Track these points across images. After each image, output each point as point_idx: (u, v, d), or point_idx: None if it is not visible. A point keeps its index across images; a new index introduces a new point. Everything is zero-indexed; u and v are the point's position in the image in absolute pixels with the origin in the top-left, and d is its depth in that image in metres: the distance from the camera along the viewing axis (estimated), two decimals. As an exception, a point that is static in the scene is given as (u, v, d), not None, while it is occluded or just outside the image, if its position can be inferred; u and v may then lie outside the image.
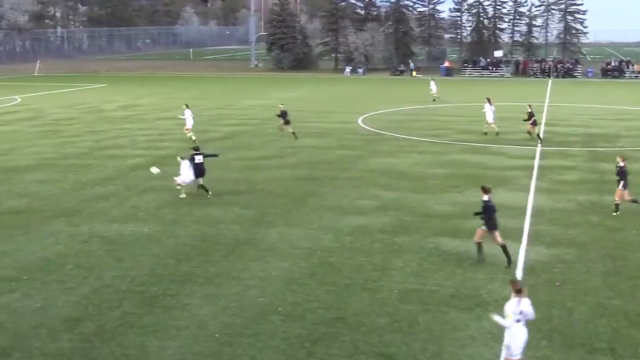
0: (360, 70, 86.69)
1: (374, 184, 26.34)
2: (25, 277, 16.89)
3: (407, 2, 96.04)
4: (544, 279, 16.58)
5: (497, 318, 11.78)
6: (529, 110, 35.20)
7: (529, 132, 35.29)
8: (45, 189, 25.76)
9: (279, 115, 36.81)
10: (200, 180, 24.52)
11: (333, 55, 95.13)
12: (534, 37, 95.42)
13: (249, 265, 17.57)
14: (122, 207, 23.26)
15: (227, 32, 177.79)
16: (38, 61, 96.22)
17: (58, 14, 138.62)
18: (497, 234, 17.48)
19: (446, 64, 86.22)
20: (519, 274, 16.84)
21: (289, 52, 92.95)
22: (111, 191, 25.34)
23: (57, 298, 15.59)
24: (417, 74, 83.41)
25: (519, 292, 11.64)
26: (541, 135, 35.41)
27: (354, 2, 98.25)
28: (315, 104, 52.54)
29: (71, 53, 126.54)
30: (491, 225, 17.42)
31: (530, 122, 35.05)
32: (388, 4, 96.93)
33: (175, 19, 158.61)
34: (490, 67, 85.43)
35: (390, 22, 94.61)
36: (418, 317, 14.51)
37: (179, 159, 24.69)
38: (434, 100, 53.21)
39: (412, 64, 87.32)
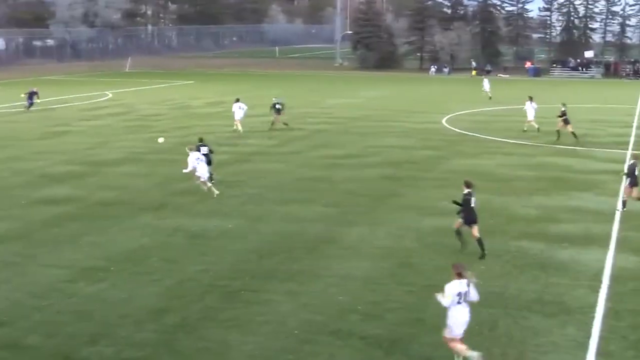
0: (446, 70, 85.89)
1: (458, 185, 25.92)
2: (113, 268, 17.39)
3: (495, 1, 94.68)
4: (631, 288, 16.09)
5: (439, 297, 12.24)
6: (563, 109, 35.22)
7: (557, 131, 35.21)
8: (134, 183, 26.45)
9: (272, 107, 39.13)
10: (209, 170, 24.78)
11: (418, 54, 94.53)
12: (627, 37, 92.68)
13: (330, 264, 17.64)
14: (207, 202, 23.66)
15: (313, 31, 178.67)
16: (129, 58, 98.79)
17: (149, 12, 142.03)
18: (475, 228, 17.93)
19: (528, 64, 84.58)
20: (605, 281, 16.40)
21: (374, 51, 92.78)
22: (196, 186, 25.79)
23: (142, 289, 15.99)
24: (502, 74, 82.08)
25: (459, 275, 12.15)
26: (575, 132, 35.06)
27: (441, 1, 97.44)
28: (400, 104, 52.32)
29: (161, 50, 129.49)
30: (468, 219, 17.90)
31: (562, 119, 35.17)
32: (475, 3, 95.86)
33: (262, 17, 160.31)
34: (580, 68, 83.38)
35: (477, 22, 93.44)
36: (499, 321, 14.29)
37: (187, 149, 24.60)
38: (490, 98, 53.76)
39: (473, 62, 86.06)
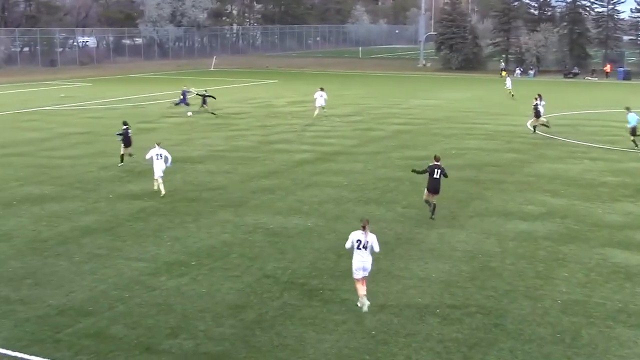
0: (532, 72, 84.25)
1: (541, 189, 25.55)
2: (194, 262, 17.71)
3: (584, 2, 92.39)
4: None
5: (347, 244, 14.82)
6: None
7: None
8: (215, 180, 26.86)
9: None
10: (130, 150, 28.83)
11: (503, 56, 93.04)
12: None
13: (409, 265, 17.54)
14: (287, 200, 23.84)
15: (396, 31, 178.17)
16: (214, 56, 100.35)
17: (234, 12, 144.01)
18: (435, 197, 21.43)
19: (608, 67, 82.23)
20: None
21: (458, 52, 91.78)
22: (277, 184, 26.04)
23: (221, 285, 16.22)
24: (590, 77, 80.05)
25: (363, 228, 14.68)
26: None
27: (528, 1, 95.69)
28: (483, 106, 51.61)
29: (245, 49, 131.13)
30: (431, 189, 21.36)
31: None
32: (564, 4, 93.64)
33: (346, 18, 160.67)
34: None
35: (565, 23, 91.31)
36: (582, 331, 13.94)
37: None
38: (512, 96, 53.98)
39: (502, 63, 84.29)
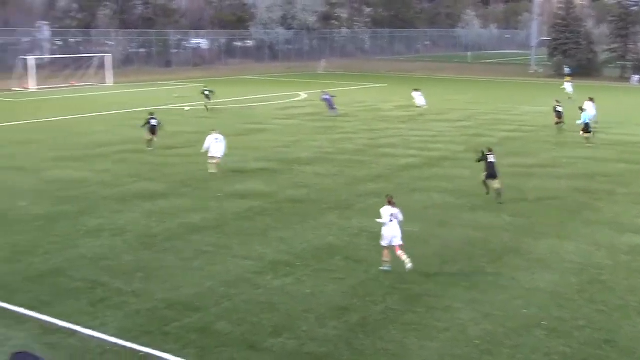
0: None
1: (657, 202, 24.54)
2: (299, 263, 17.89)
3: None
4: None
5: (378, 220, 17.26)
6: None
7: None
8: (322, 182, 27.05)
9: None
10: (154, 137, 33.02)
11: (619, 62, 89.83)
12: None
13: (516, 275, 17.18)
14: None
15: (507, 36, 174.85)
16: (323, 60, 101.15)
17: (344, 15, 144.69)
18: (495, 181, 23.81)
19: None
20: None
21: (572, 58, 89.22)
22: (383, 188, 25.97)
23: (326, 286, 16.32)
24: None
25: (390, 202, 17.31)
26: None
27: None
28: (598, 114, 49.94)
29: (354, 53, 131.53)
30: (489, 174, 23.82)
31: None
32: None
33: (456, 22, 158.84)
34: None
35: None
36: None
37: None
38: (569, 98, 52.60)
39: (566, 68, 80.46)
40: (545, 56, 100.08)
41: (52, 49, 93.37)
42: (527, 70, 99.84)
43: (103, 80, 70.55)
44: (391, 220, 17.12)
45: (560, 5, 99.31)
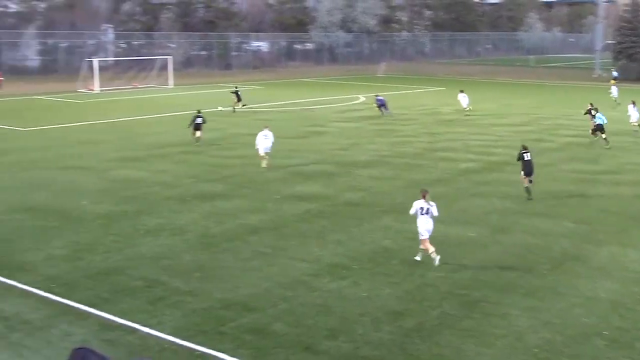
0: None
1: None
2: (355, 266, 17.87)
3: None
4: None
5: (412, 211, 18.20)
6: None
7: None
8: (379, 185, 26.98)
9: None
10: (200, 134, 35.46)
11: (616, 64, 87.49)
12: None
13: (576, 282, 16.86)
14: (450, 209, 23.52)
15: (571, 39, 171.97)
16: (383, 63, 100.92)
17: (404, 18, 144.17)
18: (527, 179, 24.62)
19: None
20: None
21: (637, 62, 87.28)
22: (441, 192, 25.75)
23: (382, 290, 16.27)
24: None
25: (424, 196, 18.12)
26: None
27: None
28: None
29: (413, 56, 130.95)
30: (525, 171, 24.55)
31: None
32: None
33: (518, 25, 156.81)
34: None
35: None
36: None
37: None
38: (619, 104, 51.34)
39: (614, 72, 77.75)
40: (610, 60, 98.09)
41: (115, 51, 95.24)
42: (590, 74, 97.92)
43: (164, 82, 71.62)
44: (422, 214, 17.94)
45: (626, 8, 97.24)
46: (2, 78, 65.45)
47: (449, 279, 17.01)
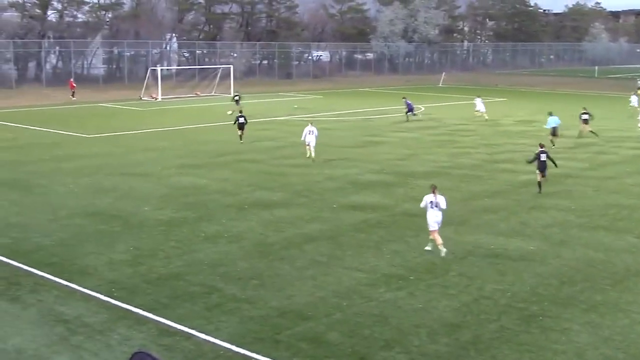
0: None
1: None
2: (412, 277, 17.77)
3: None
4: None
5: (422, 204, 19.72)
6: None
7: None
8: (438, 196, 26.73)
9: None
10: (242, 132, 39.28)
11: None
12: None
13: (639, 299, 16.46)
14: (509, 221, 23.28)
15: (638, 50, 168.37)
16: (443, 73, 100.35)
17: (466, 28, 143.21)
18: (540, 174, 27.66)
19: None
20: None
21: None
22: (500, 205, 25.51)
23: (438, 302, 16.14)
24: None
25: (433, 191, 19.58)
26: None
27: None
28: None
29: (475, 66, 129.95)
30: (540, 168, 27.61)
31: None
32: None
33: (583, 35, 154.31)
34: None
35: None
36: None
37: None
38: (631, 108, 51.62)
39: (639, 80, 75.46)
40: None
41: (179, 60, 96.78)
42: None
43: (226, 91, 72.43)
44: (432, 207, 19.39)
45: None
46: (74, 85, 67.01)
47: (508, 292, 16.78)
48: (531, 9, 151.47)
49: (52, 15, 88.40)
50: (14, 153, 35.75)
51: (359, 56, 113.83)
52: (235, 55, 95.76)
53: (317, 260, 19.02)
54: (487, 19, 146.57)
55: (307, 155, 33.75)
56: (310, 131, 34.01)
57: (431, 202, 19.45)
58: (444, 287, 17.06)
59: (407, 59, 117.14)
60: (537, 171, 27.63)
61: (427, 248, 19.71)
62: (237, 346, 13.74)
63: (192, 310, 15.49)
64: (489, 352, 13.60)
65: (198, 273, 17.92)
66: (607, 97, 78.26)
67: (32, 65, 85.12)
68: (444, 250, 19.17)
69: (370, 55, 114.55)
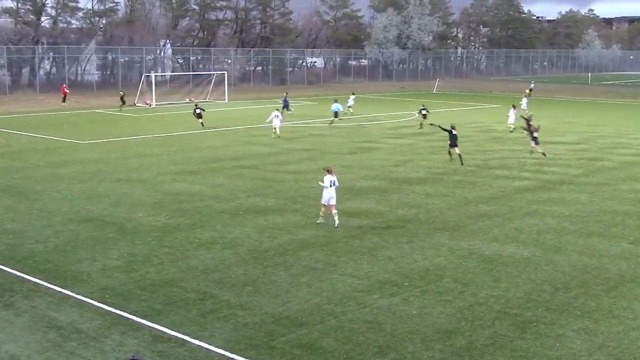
0: None
1: None
2: (406, 283, 17.76)
3: None
4: None
5: (320, 183, 23.03)
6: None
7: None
8: (432, 202, 26.81)
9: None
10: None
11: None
12: None
13: (633, 305, 16.48)
14: (504, 227, 23.31)
15: (631, 57, 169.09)
16: (437, 79, 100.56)
17: (460, 35, 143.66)
18: (456, 149, 34.51)
19: None
20: None
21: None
22: (494, 211, 25.54)
23: (433, 308, 16.14)
24: None
25: (329, 172, 22.93)
26: None
27: None
28: None
29: (469, 73, 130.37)
30: (451, 143, 34.62)
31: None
32: None
33: (576, 42, 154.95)
34: None
35: None
36: None
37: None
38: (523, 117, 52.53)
39: (532, 84, 77.85)
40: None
41: (173, 67, 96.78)
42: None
43: (219, 97, 72.45)
44: (330, 186, 22.69)
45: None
46: (67, 91, 66.95)
47: (502, 298, 16.79)
48: (525, 15, 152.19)
49: (46, 22, 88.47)
50: (7, 159, 35.67)
51: (353, 62, 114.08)
52: (229, 61, 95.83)
53: (312, 266, 19.00)
54: (481, 26, 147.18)
55: (273, 136, 42.76)
56: (276, 115, 43.19)
57: (331, 181, 22.75)
58: (438, 293, 17.06)
59: (401, 65, 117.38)
60: (449, 145, 35.31)
61: (319, 221, 23.14)
62: (232, 352, 13.71)
63: (186, 317, 15.46)
64: (483, 359, 13.60)
65: (192, 279, 17.89)
66: (600, 104, 78.53)
67: (25, 71, 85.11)
68: (337, 221, 22.74)
69: (364, 62, 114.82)
